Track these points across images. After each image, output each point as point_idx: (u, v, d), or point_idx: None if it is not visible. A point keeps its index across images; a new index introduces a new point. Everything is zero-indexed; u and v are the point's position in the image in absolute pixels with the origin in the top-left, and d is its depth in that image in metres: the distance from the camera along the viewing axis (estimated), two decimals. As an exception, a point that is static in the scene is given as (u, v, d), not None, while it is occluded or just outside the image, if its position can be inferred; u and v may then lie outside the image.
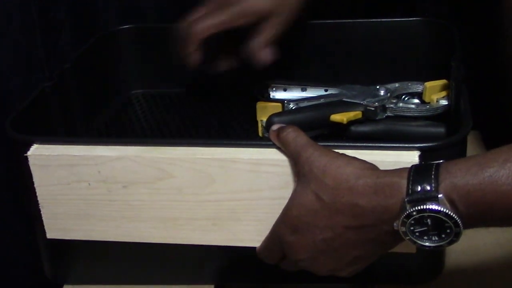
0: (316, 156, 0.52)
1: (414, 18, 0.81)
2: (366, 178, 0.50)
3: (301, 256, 0.54)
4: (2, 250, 0.81)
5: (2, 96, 0.75)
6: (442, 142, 0.55)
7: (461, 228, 0.47)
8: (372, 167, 0.51)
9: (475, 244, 0.71)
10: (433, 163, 0.48)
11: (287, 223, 0.54)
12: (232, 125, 0.82)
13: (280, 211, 0.57)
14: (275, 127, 0.57)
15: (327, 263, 0.54)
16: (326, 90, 0.77)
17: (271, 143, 0.57)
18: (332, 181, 0.51)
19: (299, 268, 0.56)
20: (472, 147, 0.82)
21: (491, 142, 0.81)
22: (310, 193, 0.52)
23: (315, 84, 0.78)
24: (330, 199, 0.51)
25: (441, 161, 0.49)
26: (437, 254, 0.66)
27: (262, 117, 0.75)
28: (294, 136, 0.55)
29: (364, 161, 0.52)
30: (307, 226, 0.52)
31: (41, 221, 0.62)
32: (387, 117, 0.74)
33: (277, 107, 0.76)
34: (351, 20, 0.82)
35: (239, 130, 0.80)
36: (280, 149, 0.56)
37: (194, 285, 0.68)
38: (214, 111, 0.85)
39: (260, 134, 0.75)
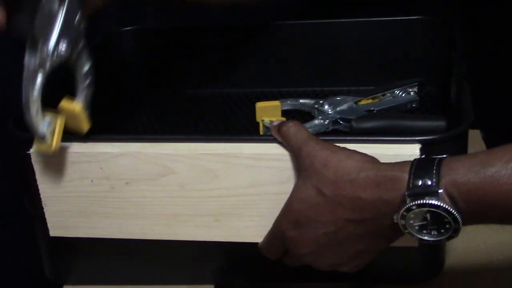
0: (317, 150, 0.52)
1: (415, 17, 0.81)
2: (367, 171, 0.50)
3: (303, 250, 0.54)
4: (2, 250, 0.81)
5: (3, 96, 0.75)
6: (443, 135, 0.55)
7: (460, 224, 0.47)
8: (373, 160, 0.51)
9: (475, 243, 0.71)
10: (435, 158, 0.48)
11: (289, 217, 0.54)
12: (234, 125, 0.82)
13: (283, 206, 0.57)
14: (276, 122, 0.58)
15: (329, 257, 0.54)
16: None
17: (272, 138, 0.57)
18: (333, 175, 0.51)
19: (302, 263, 0.56)
20: (472, 146, 0.82)
21: (491, 141, 0.81)
22: (311, 187, 0.52)
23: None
24: (332, 193, 0.51)
25: (444, 156, 0.49)
26: (437, 253, 0.66)
27: (263, 117, 0.75)
28: (295, 130, 0.55)
29: (365, 154, 0.52)
30: (308, 220, 0.52)
31: (44, 219, 0.62)
32: (388, 112, 0.75)
33: (276, 108, 0.76)
34: (351, 20, 0.83)
35: (241, 130, 0.80)
36: (282, 144, 0.57)
37: (194, 285, 0.68)
38: (216, 112, 0.85)
39: (261, 134, 0.75)
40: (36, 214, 0.63)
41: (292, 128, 0.55)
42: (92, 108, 0.60)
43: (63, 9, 0.54)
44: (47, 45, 0.54)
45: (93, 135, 0.61)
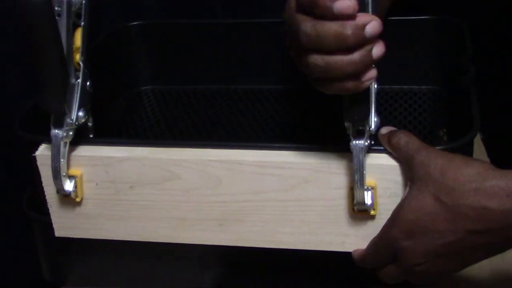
0: (432, 158, 0.51)
1: (424, 17, 0.80)
2: (495, 179, 0.48)
3: (417, 260, 0.52)
4: (1, 251, 0.81)
5: (4, 96, 0.76)
6: (446, 147, 0.54)
7: None
8: (494, 167, 0.50)
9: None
10: None
11: (402, 227, 0.52)
12: (239, 122, 0.82)
13: (285, 213, 0.57)
14: (384, 130, 0.56)
15: (445, 267, 0.52)
16: None
17: (277, 145, 0.57)
18: (452, 182, 0.49)
19: (411, 274, 0.54)
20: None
21: (491, 143, 0.80)
22: (428, 196, 0.50)
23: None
24: (453, 202, 0.49)
25: None
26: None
27: None
28: (406, 140, 0.53)
29: (484, 161, 0.51)
30: (425, 231, 0.51)
31: (45, 221, 0.63)
32: None
33: None
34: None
35: (246, 126, 0.81)
36: (390, 154, 0.55)
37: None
38: (222, 107, 0.85)
39: None
40: (38, 216, 0.64)
41: (403, 138, 0.54)
42: (98, 103, 0.61)
43: (79, 82, 0.58)
44: (71, 118, 0.58)
45: (98, 139, 0.61)
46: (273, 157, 0.57)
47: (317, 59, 0.47)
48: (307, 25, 0.47)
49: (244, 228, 0.59)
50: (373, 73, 0.48)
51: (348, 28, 0.45)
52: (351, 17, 0.45)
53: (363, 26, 0.45)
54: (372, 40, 0.46)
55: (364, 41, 0.46)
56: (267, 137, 0.78)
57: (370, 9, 0.47)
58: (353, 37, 0.45)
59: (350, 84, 0.47)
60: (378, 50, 0.47)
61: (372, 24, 0.46)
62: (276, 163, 0.56)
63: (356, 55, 0.46)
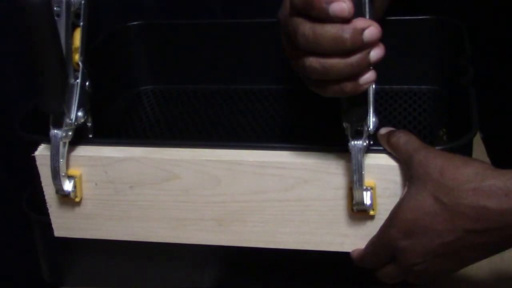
0: (431, 158, 0.51)
1: (423, 17, 0.80)
2: (493, 179, 0.48)
3: (416, 260, 0.52)
4: (1, 251, 0.82)
5: (4, 97, 0.76)
6: (445, 147, 0.54)
7: None
8: (493, 167, 0.50)
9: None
10: None
11: (400, 227, 0.52)
12: (239, 121, 0.82)
13: (285, 213, 0.57)
14: (383, 130, 0.56)
15: (443, 266, 0.53)
16: None
17: (276, 145, 0.57)
18: (451, 182, 0.49)
19: (410, 273, 0.54)
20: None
21: (490, 142, 0.81)
22: (427, 196, 0.50)
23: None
24: (452, 201, 0.49)
25: None
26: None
27: None
28: (406, 139, 0.54)
29: (483, 161, 0.51)
30: (423, 230, 0.51)
31: (45, 221, 0.63)
32: None
33: None
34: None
35: (246, 127, 0.81)
36: (390, 154, 0.55)
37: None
38: (222, 107, 0.85)
39: None
40: (38, 216, 0.64)
41: (402, 138, 0.54)
42: (97, 103, 0.62)
43: (78, 82, 0.58)
44: (70, 118, 0.58)
45: (98, 139, 0.61)
46: (273, 157, 0.57)
47: (314, 61, 0.47)
48: (305, 27, 0.47)
49: (244, 228, 0.59)
50: (371, 76, 0.48)
51: (346, 32, 0.45)
52: (347, 19, 0.45)
53: (362, 30, 0.45)
54: (370, 44, 0.46)
55: (361, 46, 0.46)
56: (267, 137, 0.78)
57: (367, 13, 0.47)
58: (351, 41, 0.45)
59: (347, 87, 0.48)
60: (376, 53, 0.47)
61: (371, 29, 0.46)
62: (276, 163, 0.56)
63: (353, 59, 0.46)
